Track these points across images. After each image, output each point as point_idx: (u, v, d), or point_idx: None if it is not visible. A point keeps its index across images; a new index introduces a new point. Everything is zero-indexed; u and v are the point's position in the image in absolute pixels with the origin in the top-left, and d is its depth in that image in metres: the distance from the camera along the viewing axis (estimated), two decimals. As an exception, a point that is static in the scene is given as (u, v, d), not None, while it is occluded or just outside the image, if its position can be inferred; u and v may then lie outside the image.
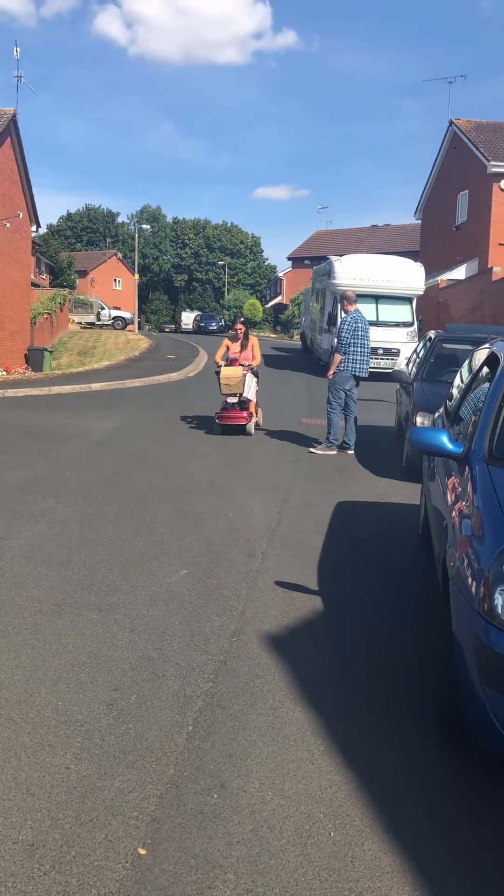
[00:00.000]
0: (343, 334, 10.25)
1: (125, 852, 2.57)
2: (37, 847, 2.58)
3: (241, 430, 11.30)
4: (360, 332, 10.23)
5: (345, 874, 2.53)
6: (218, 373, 11.39)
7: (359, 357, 10.24)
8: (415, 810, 2.87)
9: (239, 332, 11.74)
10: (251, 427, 11.36)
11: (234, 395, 11.25)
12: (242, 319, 12.04)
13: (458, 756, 3.24)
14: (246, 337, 11.76)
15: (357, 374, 10.29)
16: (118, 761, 3.09)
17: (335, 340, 10.44)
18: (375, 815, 2.83)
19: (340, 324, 10.36)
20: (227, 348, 11.69)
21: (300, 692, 3.73)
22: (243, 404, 11.32)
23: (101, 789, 2.90)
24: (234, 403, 11.31)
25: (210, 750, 3.20)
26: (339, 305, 20.45)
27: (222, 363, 11.50)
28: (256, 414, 11.71)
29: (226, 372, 11.26)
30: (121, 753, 3.15)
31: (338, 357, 10.26)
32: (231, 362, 11.50)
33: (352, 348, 10.20)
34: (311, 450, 10.33)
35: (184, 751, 3.18)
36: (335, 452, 10.20)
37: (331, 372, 10.39)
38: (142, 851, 2.58)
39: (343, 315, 10.48)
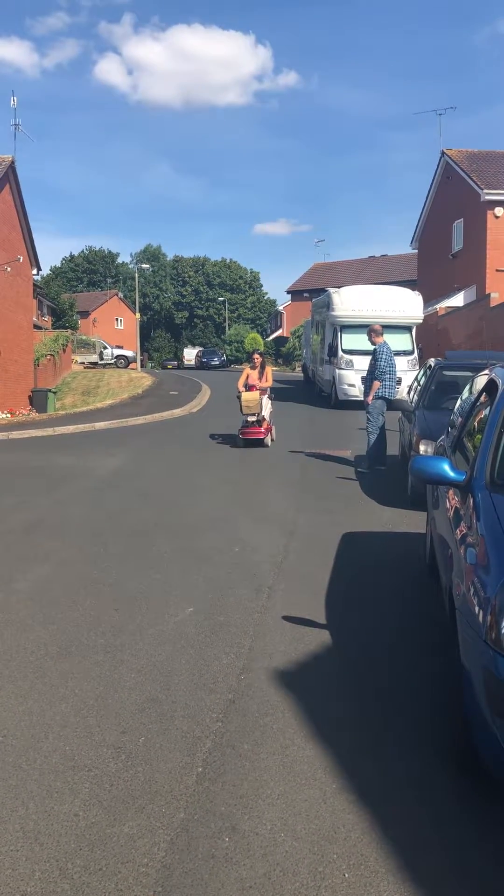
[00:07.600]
0: (381, 363, 11.59)
1: (135, 901, 2.52)
2: (45, 898, 2.53)
3: (259, 444, 13.70)
4: (392, 360, 11.68)
5: (360, 917, 2.47)
6: (239, 397, 13.75)
7: (389, 382, 11.65)
8: (430, 849, 2.81)
9: (257, 361, 14.47)
10: (268, 440, 13.85)
11: (253, 414, 13.60)
12: (260, 351, 15.16)
13: (474, 790, 3.18)
14: (262, 365, 14.44)
15: (388, 397, 11.66)
16: (127, 806, 3.04)
17: (375, 369, 11.69)
18: (390, 854, 2.77)
19: (378, 353, 11.62)
20: (248, 376, 14.29)
21: (310, 729, 3.68)
22: (260, 422, 13.70)
23: (111, 836, 2.86)
24: (252, 422, 13.71)
25: (220, 792, 3.15)
26: (339, 336, 20.64)
27: (243, 389, 13.96)
28: (271, 431, 14.12)
29: (246, 396, 13.69)
30: (130, 798, 3.10)
31: (377, 384, 11.51)
32: (250, 388, 13.95)
33: (387, 375, 11.53)
34: (359, 468, 11.45)
35: (193, 793, 3.13)
36: (383, 468, 11.31)
37: (370, 398, 11.56)
38: (152, 900, 2.53)
39: (377, 346, 11.72)
